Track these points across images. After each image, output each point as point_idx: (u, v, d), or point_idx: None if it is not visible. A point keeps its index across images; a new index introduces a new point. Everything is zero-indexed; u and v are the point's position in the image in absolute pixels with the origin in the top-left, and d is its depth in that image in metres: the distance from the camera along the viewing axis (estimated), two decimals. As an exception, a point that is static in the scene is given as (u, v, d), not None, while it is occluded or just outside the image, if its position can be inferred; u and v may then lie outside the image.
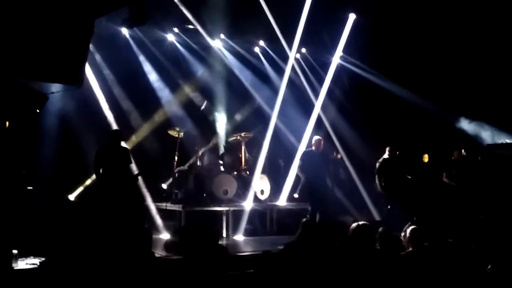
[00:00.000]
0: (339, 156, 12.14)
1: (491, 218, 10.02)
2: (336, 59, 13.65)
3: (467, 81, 12.47)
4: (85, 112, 11.05)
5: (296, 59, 13.48)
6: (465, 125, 12.64)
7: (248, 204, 11.09)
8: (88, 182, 11.00)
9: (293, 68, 13.22)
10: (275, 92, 13.14)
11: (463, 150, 10.81)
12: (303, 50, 13.69)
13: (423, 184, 10.68)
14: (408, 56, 12.77)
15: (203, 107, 11.81)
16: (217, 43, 13.20)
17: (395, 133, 12.51)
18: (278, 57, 13.65)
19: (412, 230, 6.13)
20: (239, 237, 10.47)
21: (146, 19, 8.30)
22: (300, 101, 13.46)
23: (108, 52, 11.50)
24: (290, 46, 12.93)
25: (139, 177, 9.78)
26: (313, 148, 10.55)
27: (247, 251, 8.84)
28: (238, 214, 10.92)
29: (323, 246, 6.04)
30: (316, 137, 10.70)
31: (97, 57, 11.42)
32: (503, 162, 11.22)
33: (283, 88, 12.92)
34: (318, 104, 13.26)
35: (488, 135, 12.21)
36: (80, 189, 11.10)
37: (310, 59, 13.89)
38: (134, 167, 9.95)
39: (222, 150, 12.07)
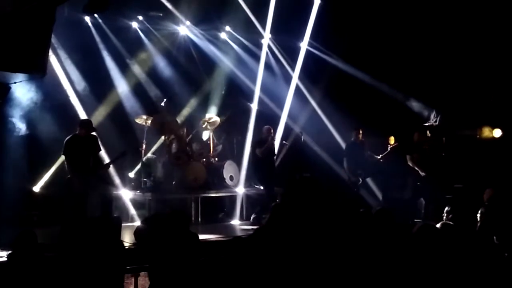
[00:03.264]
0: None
1: (458, 197, 10.25)
2: (304, 45, 13.64)
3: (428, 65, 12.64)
4: (48, 101, 10.81)
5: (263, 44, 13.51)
6: (415, 105, 12.84)
7: (240, 190, 11.48)
8: (52, 172, 10.79)
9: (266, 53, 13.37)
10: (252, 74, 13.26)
11: (428, 131, 10.96)
12: (270, 36, 13.61)
13: (391, 166, 10.83)
14: (370, 40, 12.84)
15: (162, 103, 11.65)
16: (183, 30, 13.05)
17: (362, 117, 12.60)
18: (248, 42, 13.59)
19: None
20: (210, 223, 10.50)
21: (107, 5, 8.13)
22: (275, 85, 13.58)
23: (71, 40, 11.23)
24: (259, 31, 13.14)
25: (111, 166, 9.66)
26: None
27: (217, 237, 8.84)
28: (208, 201, 10.99)
29: (293, 228, 6.08)
30: (265, 126, 10.93)
31: (59, 45, 11.14)
32: (465, 142, 11.49)
33: (261, 73, 13.13)
34: (291, 89, 13.42)
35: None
36: (45, 180, 10.88)
37: (276, 44, 13.82)
38: (105, 156, 9.89)
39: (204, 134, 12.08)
